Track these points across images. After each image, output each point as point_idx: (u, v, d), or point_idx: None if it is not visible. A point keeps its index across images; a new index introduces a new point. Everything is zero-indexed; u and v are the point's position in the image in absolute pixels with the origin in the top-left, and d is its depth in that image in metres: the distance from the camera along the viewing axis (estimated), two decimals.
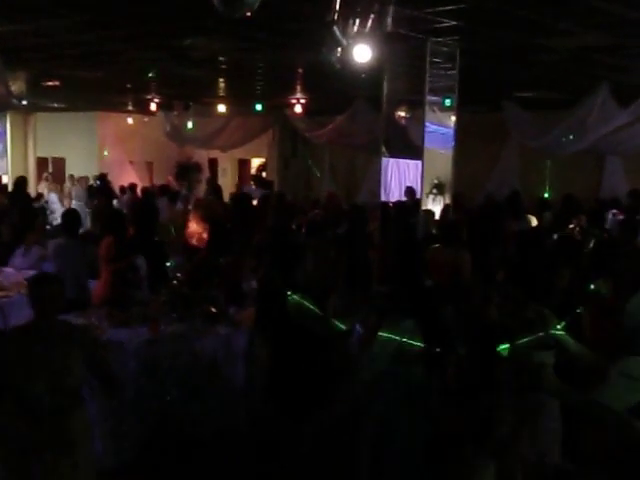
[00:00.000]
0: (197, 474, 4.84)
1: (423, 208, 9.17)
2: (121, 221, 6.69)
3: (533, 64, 9.23)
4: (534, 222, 9.41)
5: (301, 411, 3.93)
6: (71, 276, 6.09)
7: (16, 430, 3.36)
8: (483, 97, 11.24)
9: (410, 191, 11.31)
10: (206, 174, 18.40)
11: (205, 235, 7.00)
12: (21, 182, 12.05)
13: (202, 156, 18.70)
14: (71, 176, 16.26)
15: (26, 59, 9.91)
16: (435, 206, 9.88)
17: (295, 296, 3.91)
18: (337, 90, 11.38)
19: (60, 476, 3.41)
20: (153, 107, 14.45)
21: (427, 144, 8.50)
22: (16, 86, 10.89)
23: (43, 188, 15.69)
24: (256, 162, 19.57)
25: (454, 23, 6.79)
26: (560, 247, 5.94)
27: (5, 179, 16.71)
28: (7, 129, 18.46)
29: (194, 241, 7.22)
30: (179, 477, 4.81)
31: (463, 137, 9.10)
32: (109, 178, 15.75)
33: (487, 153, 13.67)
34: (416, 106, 9.51)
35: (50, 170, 17.91)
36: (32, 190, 14.90)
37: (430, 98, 8.24)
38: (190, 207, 10.86)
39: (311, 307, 3.91)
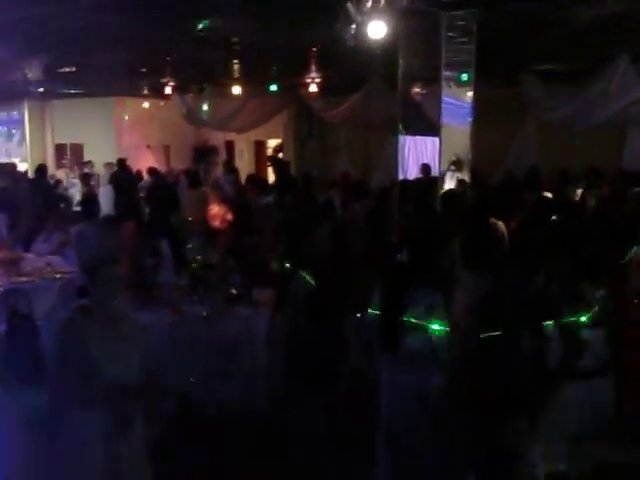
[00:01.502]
0: (219, 453, 4.90)
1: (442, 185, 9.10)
2: (138, 206, 6.76)
3: (551, 35, 9.08)
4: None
5: (319, 388, 3.98)
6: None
7: (98, 409, 3.40)
8: (500, 71, 11.10)
9: (426, 168, 11.24)
10: (223, 156, 18.41)
11: (229, 216, 7.03)
12: (42, 169, 12.17)
13: (218, 139, 18.69)
14: (89, 162, 16.30)
15: (42, 45, 9.92)
16: (453, 183, 9.81)
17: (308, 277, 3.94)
18: (352, 68, 11.29)
19: (133, 454, 3.51)
20: (168, 90, 14.43)
21: (444, 120, 8.42)
22: (32, 73, 10.93)
23: (62, 174, 15.78)
24: (272, 143, 19.52)
25: None
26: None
27: (25, 166, 16.82)
28: (25, 116, 18.56)
29: (217, 223, 7.25)
30: (201, 457, 4.87)
31: (481, 112, 8.99)
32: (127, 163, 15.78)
33: (505, 128, 13.50)
34: (432, 82, 9.41)
35: (68, 156, 18.01)
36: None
37: (446, 73, 8.14)
38: (207, 189, 10.90)
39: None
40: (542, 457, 3.63)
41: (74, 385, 3.36)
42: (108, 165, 15.82)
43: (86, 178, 13.95)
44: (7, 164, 14.96)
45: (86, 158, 17.52)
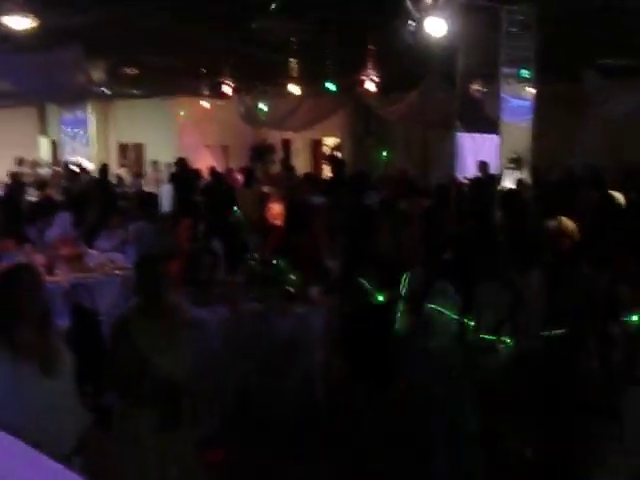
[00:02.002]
0: (276, 450, 4.93)
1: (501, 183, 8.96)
2: (195, 204, 6.86)
3: (614, 29, 8.82)
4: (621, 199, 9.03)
5: (376, 382, 3.97)
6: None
7: (148, 408, 3.46)
8: (562, 66, 10.83)
9: (483, 166, 11.07)
10: (280, 155, 18.54)
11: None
12: (104, 168, 12.51)
13: (276, 137, 18.83)
14: (154, 162, 16.58)
15: (105, 48, 10.20)
16: (512, 181, 9.64)
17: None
18: (409, 66, 11.21)
19: (181, 448, 3.56)
20: (227, 91, 14.60)
21: (503, 117, 8.29)
22: (96, 75, 11.23)
23: (123, 173, 16.14)
24: (329, 142, 19.56)
25: None
26: None
27: (90, 166, 17.29)
28: (90, 117, 19.09)
29: (278, 221, 7.29)
30: (259, 453, 4.92)
31: (541, 109, 8.81)
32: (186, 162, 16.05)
33: (567, 125, 13.16)
34: (491, 79, 9.27)
35: (131, 156, 18.45)
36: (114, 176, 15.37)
37: (505, 70, 8.02)
38: (265, 188, 10.99)
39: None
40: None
41: (125, 381, 3.43)
42: (168, 165, 16.13)
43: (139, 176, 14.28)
44: (76, 164, 15.42)
45: (147, 157, 17.91)
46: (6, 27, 7.61)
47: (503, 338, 3.81)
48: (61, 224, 7.79)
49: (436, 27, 5.58)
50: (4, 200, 9.16)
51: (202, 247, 6.15)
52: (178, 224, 7.11)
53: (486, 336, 3.82)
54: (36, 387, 2.76)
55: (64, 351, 2.98)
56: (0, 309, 2.81)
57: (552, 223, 4.50)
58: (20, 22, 7.75)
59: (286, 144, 19.34)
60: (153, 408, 3.44)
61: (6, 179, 12.78)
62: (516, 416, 4.14)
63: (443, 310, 3.87)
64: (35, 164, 16.69)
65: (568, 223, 4.43)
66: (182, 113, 18.22)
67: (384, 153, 16.94)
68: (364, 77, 13.00)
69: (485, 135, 12.60)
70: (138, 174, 15.16)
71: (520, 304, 4.03)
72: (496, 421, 4.03)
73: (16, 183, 11.90)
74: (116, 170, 17.21)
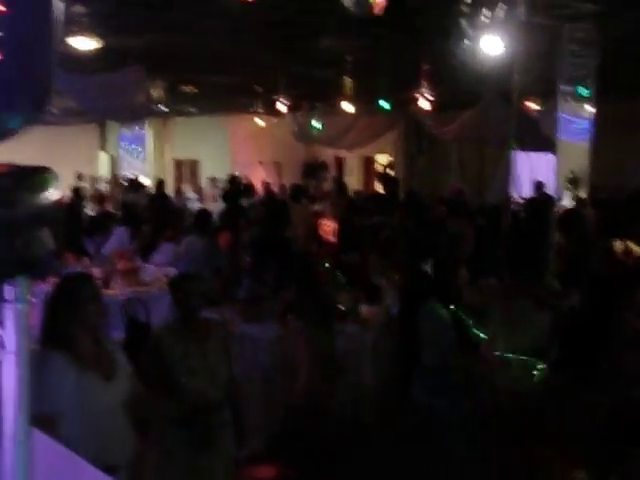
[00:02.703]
0: (323, 466, 4.90)
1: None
2: (239, 218, 6.91)
3: None
4: None
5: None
6: (200, 272, 6.34)
7: (182, 424, 3.47)
8: (622, 85, 10.59)
9: (539, 186, 10.87)
10: (332, 173, 18.60)
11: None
12: (161, 184, 12.78)
13: (328, 155, 18.91)
14: (212, 179, 16.77)
15: (164, 68, 10.45)
16: (569, 201, 9.45)
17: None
18: (464, 84, 11.13)
19: (216, 465, 3.57)
20: (281, 108, 14.75)
21: (561, 136, 8.13)
22: (156, 93, 11.51)
23: (187, 189, 16.37)
24: (382, 159, 19.53)
25: (592, 7, 6.45)
26: None
27: (147, 181, 17.68)
28: (148, 133, 19.55)
29: (331, 237, 7.31)
30: (306, 469, 4.90)
31: (600, 128, 8.61)
32: (240, 178, 16.26)
33: (629, 144, 12.84)
34: (548, 97, 9.12)
35: (186, 172, 18.78)
36: (170, 191, 15.65)
37: (564, 88, 7.88)
38: (316, 206, 11.04)
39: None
40: None
41: (160, 398, 3.44)
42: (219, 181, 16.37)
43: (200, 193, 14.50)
44: (133, 180, 15.78)
45: (201, 173, 18.21)
46: (72, 48, 7.87)
47: (539, 365, 3.73)
48: (118, 238, 7.97)
49: (492, 45, 5.52)
50: (65, 214, 9.43)
51: (256, 263, 6.20)
52: (217, 238, 7.21)
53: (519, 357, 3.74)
54: (98, 396, 2.80)
55: (122, 360, 3.04)
56: (63, 319, 2.86)
57: (617, 244, 4.40)
58: (85, 43, 8.01)
59: (339, 161, 19.40)
60: (186, 426, 3.45)
61: (68, 193, 13.17)
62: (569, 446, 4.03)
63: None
64: (94, 179, 17.16)
65: (633, 245, 4.33)
66: (240, 134, 18.50)
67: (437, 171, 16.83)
68: (418, 95, 12.96)
69: (541, 154, 12.39)
70: (195, 190, 15.43)
71: (558, 330, 3.94)
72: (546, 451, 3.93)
73: (77, 197, 12.26)
74: (173, 186, 17.52)
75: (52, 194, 1.06)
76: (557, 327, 4.00)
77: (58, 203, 1.08)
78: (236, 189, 14.51)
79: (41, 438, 1.54)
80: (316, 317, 4.96)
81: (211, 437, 3.50)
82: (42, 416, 2.54)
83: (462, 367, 3.93)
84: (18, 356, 0.98)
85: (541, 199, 10.06)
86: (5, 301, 0.98)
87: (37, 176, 1.06)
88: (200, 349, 3.53)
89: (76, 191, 13.11)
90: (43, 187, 1.05)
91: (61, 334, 2.83)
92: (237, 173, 16.75)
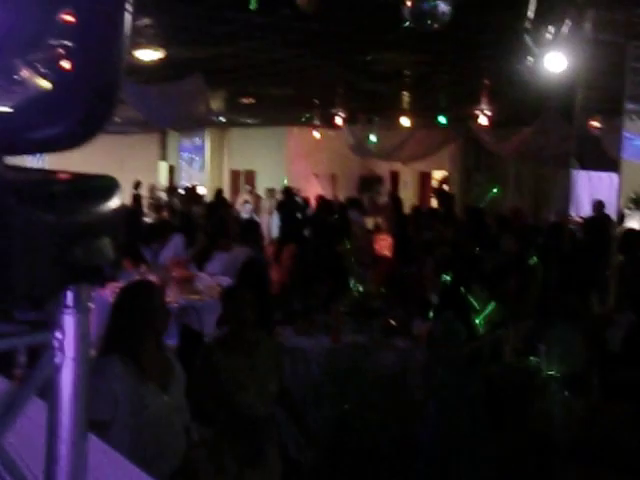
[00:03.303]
0: None
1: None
2: (301, 231, 6.95)
3: None
4: None
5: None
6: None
7: (232, 438, 3.47)
8: None
9: (599, 205, 10.61)
10: (388, 187, 18.55)
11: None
12: (219, 193, 12.96)
13: (384, 169, 18.87)
14: (271, 190, 16.85)
15: (224, 79, 10.62)
16: (631, 221, 9.18)
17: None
18: (524, 101, 10.98)
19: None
20: (338, 121, 14.81)
21: (624, 155, 7.91)
22: (215, 104, 11.71)
23: (241, 201, 16.53)
24: (437, 175, 19.39)
25: None
26: None
27: (203, 190, 17.94)
28: (206, 144, 19.87)
29: (387, 252, 7.29)
30: None
31: None
32: (295, 190, 16.33)
33: None
34: (611, 115, 8.90)
35: (244, 182, 19.00)
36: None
37: (629, 106, 7.67)
38: (371, 219, 11.02)
39: None
40: None
41: (207, 412, 3.44)
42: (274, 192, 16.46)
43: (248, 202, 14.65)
44: (190, 189, 16.05)
45: (258, 184, 18.40)
46: (135, 59, 8.07)
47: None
48: (174, 246, 8.10)
49: (555, 62, 5.42)
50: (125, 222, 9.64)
51: (311, 275, 6.21)
52: (282, 251, 7.24)
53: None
54: (157, 404, 2.82)
55: (179, 368, 3.06)
56: (132, 326, 2.87)
57: None
58: (149, 55, 8.21)
59: (394, 176, 19.34)
60: (236, 440, 3.44)
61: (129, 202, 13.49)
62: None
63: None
64: (153, 188, 17.52)
65: None
66: (297, 146, 18.63)
67: (494, 189, 16.60)
68: (477, 111, 12.84)
69: (602, 173, 12.07)
70: (246, 200, 15.56)
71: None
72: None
73: (136, 205, 12.55)
74: (230, 196, 17.69)
75: (114, 203, 1.07)
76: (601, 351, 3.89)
77: (120, 212, 1.09)
78: (292, 201, 14.60)
79: (96, 443, 1.56)
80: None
81: (259, 452, 3.49)
82: (95, 421, 2.58)
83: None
84: (77, 362, 0.99)
85: (600, 219, 9.81)
86: (66, 307, 1.00)
87: (99, 184, 1.08)
88: (250, 362, 3.52)
89: (136, 198, 13.42)
90: (105, 196, 1.06)
91: (126, 341, 2.85)
92: (291, 184, 16.84)
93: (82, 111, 0.95)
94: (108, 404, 2.67)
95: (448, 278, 5.28)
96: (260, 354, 3.59)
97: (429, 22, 4.22)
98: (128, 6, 0.95)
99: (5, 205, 0.89)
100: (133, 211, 11.48)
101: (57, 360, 0.98)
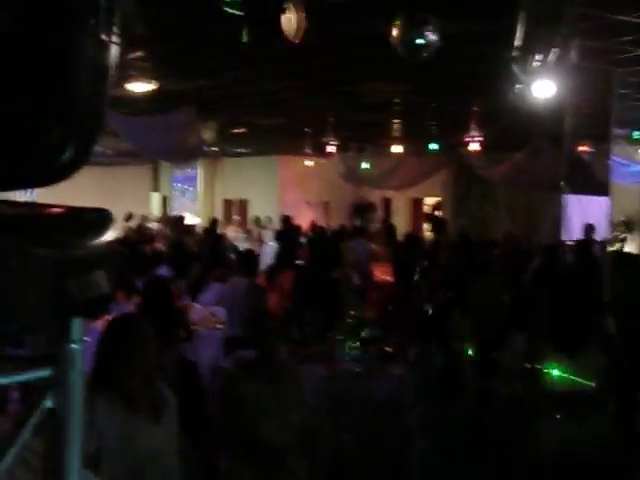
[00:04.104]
0: None
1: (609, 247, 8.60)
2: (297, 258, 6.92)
3: None
4: None
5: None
6: (240, 314, 6.37)
7: (248, 470, 3.42)
8: None
9: (588, 229, 10.66)
10: (380, 213, 18.62)
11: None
12: (214, 223, 12.93)
13: (376, 195, 18.97)
14: (257, 219, 16.84)
15: (215, 110, 10.69)
16: (622, 245, 9.23)
17: None
18: (514, 127, 11.09)
19: None
20: (330, 149, 14.89)
21: (614, 179, 8.01)
22: (207, 135, 11.77)
23: (231, 231, 16.55)
24: (429, 201, 19.49)
25: None
26: None
27: (196, 220, 17.94)
28: (198, 174, 19.94)
29: (388, 278, 7.29)
30: None
31: None
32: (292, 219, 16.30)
33: None
34: (600, 140, 9.01)
35: (236, 212, 19.01)
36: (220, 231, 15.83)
37: (617, 131, 7.78)
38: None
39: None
40: None
41: (231, 439, 3.40)
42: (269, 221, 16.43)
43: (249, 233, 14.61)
44: (179, 217, 16.03)
45: (250, 213, 18.43)
46: (127, 91, 8.13)
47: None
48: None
49: (544, 89, 5.50)
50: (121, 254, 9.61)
51: (305, 302, 6.19)
52: (279, 278, 7.22)
53: None
54: (148, 435, 2.81)
55: (171, 398, 3.04)
56: (113, 361, 2.87)
57: None
58: (140, 87, 8.28)
59: (386, 202, 19.43)
60: (258, 469, 3.40)
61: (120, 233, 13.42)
62: None
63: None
64: (145, 219, 17.49)
65: None
66: (285, 170, 18.72)
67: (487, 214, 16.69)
68: (468, 138, 12.96)
69: (592, 198, 12.14)
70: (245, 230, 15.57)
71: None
72: None
73: (130, 236, 12.51)
74: (223, 225, 17.70)
75: (108, 235, 1.07)
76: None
77: (114, 244, 1.09)
78: (290, 229, 14.60)
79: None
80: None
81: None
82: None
83: None
84: (75, 395, 0.99)
85: (589, 242, 9.86)
86: (62, 341, 1.00)
87: (93, 218, 1.08)
88: (274, 390, 3.49)
89: (129, 230, 13.39)
90: (99, 229, 1.07)
91: (110, 376, 2.84)
92: (285, 213, 16.84)
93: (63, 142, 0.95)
94: (95, 436, 2.65)
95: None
96: (285, 383, 3.57)
97: (418, 52, 4.28)
98: (115, 38, 0.96)
99: None
100: (128, 242, 11.45)
101: (56, 395, 0.98)
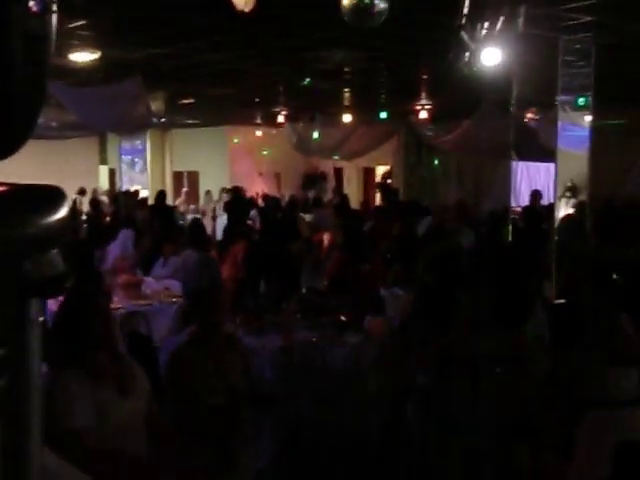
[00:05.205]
0: None
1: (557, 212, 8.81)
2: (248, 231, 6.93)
3: None
4: None
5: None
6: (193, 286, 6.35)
7: (202, 441, 3.39)
8: (620, 94, 10.65)
9: (536, 195, 10.90)
10: (332, 183, 18.65)
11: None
12: (161, 196, 12.76)
13: (328, 166, 18.97)
14: (208, 191, 16.70)
15: (163, 80, 10.48)
16: (568, 209, 9.47)
17: None
18: (462, 95, 11.19)
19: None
20: (281, 119, 14.81)
21: (559, 146, 8.17)
22: (155, 105, 11.54)
23: (181, 203, 16.38)
24: (381, 170, 19.60)
25: (588, 18, 6.50)
26: None
27: (145, 193, 17.67)
28: (147, 146, 19.56)
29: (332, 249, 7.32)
30: None
31: (599, 137, 8.66)
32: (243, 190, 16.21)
33: (626, 152, 12.89)
34: (547, 107, 9.17)
35: (185, 184, 18.78)
36: (170, 203, 15.65)
37: (562, 98, 7.92)
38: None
39: None
40: None
41: (180, 413, 3.41)
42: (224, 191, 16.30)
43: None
44: (133, 192, 15.79)
45: (201, 185, 18.23)
46: (71, 61, 7.90)
47: None
48: (123, 241, 7.97)
49: (491, 57, 5.56)
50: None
51: (258, 273, 6.20)
52: (232, 249, 7.20)
53: None
54: (117, 409, 2.79)
55: (141, 376, 3.02)
56: (70, 337, 2.84)
57: None
58: (84, 56, 8.05)
59: (338, 172, 19.46)
60: (206, 442, 3.42)
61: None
62: None
63: None
64: (95, 193, 17.16)
65: None
66: (236, 141, 18.54)
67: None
68: (417, 106, 13.04)
69: (540, 164, 12.40)
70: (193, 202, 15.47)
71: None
72: None
73: (94, 211, 12.33)
74: (173, 198, 17.51)
75: (61, 213, 1.05)
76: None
77: (66, 221, 1.07)
78: (240, 201, 14.50)
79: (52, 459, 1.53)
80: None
81: (232, 453, 3.48)
82: (72, 431, 2.55)
83: None
84: (30, 376, 0.98)
85: (536, 208, 10.09)
86: (17, 322, 0.98)
87: (44, 195, 1.06)
88: (220, 366, 3.50)
89: (93, 204, 13.19)
90: (51, 206, 1.04)
91: (71, 352, 2.82)
92: (235, 184, 16.73)
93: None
94: (76, 412, 2.65)
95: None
96: (230, 356, 3.59)
97: (366, 19, 4.27)
98: (54, 7, 0.93)
99: None
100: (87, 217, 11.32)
101: (10, 375, 0.96)
